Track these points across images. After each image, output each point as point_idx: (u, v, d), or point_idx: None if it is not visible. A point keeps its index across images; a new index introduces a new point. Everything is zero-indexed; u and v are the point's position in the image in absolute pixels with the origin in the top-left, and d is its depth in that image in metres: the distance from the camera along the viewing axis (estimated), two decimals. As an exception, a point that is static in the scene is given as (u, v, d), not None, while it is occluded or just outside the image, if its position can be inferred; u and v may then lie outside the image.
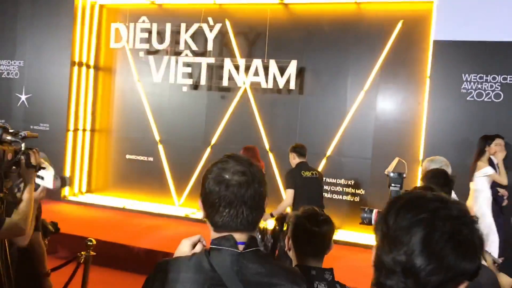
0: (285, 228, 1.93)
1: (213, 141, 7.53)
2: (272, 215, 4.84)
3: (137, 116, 7.91)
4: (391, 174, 2.95)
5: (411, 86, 6.61)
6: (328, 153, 6.90)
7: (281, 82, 6.94)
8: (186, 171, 7.57)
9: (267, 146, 7.27)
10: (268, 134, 7.22)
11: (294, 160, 5.07)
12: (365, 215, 2.14)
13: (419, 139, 6.46)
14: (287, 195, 4.93)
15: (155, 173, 7.77)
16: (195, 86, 7.58)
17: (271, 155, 7.24)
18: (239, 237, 1.15)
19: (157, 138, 7.91)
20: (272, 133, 7.14)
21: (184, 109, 7.70)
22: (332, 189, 6.85)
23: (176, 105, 7.75)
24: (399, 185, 2.91)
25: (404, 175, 2.95)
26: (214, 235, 1.16)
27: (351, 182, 6.82)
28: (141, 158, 7.96)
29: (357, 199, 6.77)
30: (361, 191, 6.72)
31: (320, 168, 6.84)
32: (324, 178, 6.18)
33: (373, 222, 2.17)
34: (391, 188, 2.90)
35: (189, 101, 7.68)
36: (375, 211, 2.18)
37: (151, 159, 7.89)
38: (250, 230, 1.16)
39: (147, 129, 7.88)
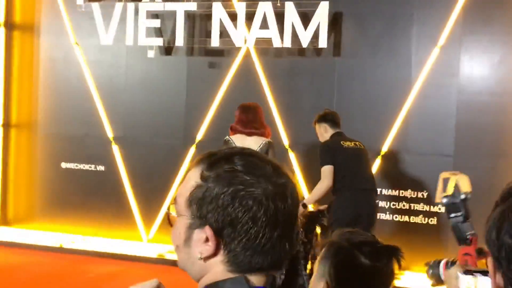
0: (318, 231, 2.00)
1: (199, 136, 7.72)
2: (304, 205, 5.46)
3: (77, 101, 8.12)
4: (444, 200, 3.29)
5: None
6: (384, 149, 7.12)
7: (305, 38, 7.09)
8: (158, 185, 7.73)
9: (285, 142, 7.47)
10: (287, 123, 7.41)
11: (326, 133, 5.79)
12: (431, 271, 2.28)
13: None
14: (324, 174, 5.54)
15: (109, 191, 7.98)
16: (168, 50, 7.79)
17: (292, 155, 7.44)
18: (259, 280, 1.27)
19: (110, 135, 8.09)
20: (293, 120, 7.37)
21: (151, 86, 7.93)
22: (393, 206, 7.09)
23: (138, 80, 7.98)
24: (460, 213, 3.22)
25: (467, 196, 3.28)
26: (224, 275, 1.25)
27: (423, 195, 7.01)
28: (86, 167, 8.17)
29: (433, 221, 6.99)
30: (439, 208, 6.87)
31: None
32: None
33: (442, 277, 2.29)
34: (452, 219, 3.21)
35: (159, 74, 7.90)
36: (443, 262, 2.31)
37: (101, 168, 8.11)
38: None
39: (93, 121, 8.06)
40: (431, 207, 6.97)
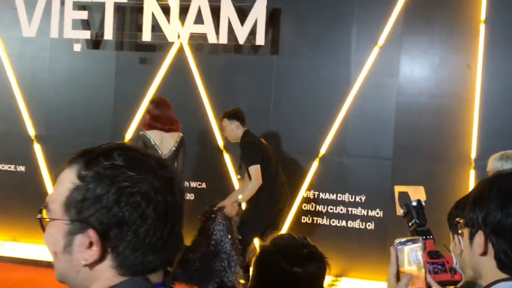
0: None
1: (128, 135, 7.72)
2: (239, 205, 6.11)
3: None
4: (402, 211, 3.24)
5: (454, 37, 6.96)
6: (322, 151, 7.26)
7: (242, 34, 7.16)
8: None
9: (220, 143, 7.55)
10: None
11: (238, 130, 6.23)
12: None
13: (469, 125, 6.86)
14: (256, 173, 6.03)
15: (30, 193, 7.83)
16: (95, 43, 7.78)
17: (227, 157, 7.54)
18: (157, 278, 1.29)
19: (32, 133, 8.05)
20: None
21: (77, 82, 7.89)
22: (330, 211, 7.22)
23: (62, 75, 7.93)
24: (413, 220, 3.09)
25: (418, 203, 3.18)
26: (117, 279, 1.24)
27: (361, 199, 7.18)
28: (5, 167, 8.14)
29: (371, 226, 7.14)
30: (377, 213, 7.10)
31: (309, 177, 7.28)
32: (309, 192, 7.20)
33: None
34: (410, 228, 3.18)
35: (86, 69, 7.88)
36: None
37: (21, 168, 8.07)
38: None
39: (13, 118, 8.00)
40: (369, 211, 7.13)
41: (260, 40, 7.13)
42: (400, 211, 3.15)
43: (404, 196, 3.48)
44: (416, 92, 7.06)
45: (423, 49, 7.07)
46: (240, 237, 5.92)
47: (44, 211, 1.25)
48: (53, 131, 7.98)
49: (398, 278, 1.73)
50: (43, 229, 1.25)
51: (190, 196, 7.18)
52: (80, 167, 1.21)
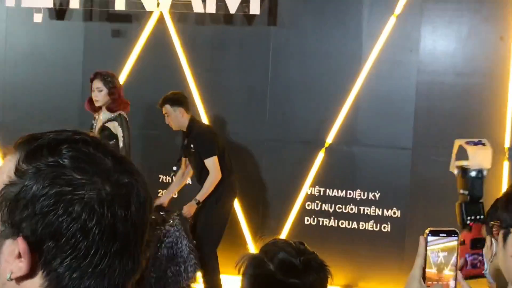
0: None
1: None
2: (198, 203, 6.28)
3: None
4: (456, 171, 3.39)
5: (485, 4, 6.84)
6: (329, 140, 7.16)
7: (234, 3, 7.09)
8: None
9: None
10: (209, 106, 7.42)
11: (183, 118, 6.42)
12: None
13: (503, 108, 6.76)
14: (214, 165, 6.32)
15: None
16: (60, 13, 7.70)
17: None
18: None
19: None
20: (217, 103, 7.42)
21: (39, 58, 7.78)
22: (338, 211, 7.13)
23: (21, 51, 7.85)
24: (467, 192, 3.29)
25: (480, 173, 3.34)
26: None
27: (374, 196, 7.06)
28: None
29: (386, 228, 7.03)
30: (394, 213, 7.02)
31: (313, 170, 7.21)
32: (314, 188, 7.21)
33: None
34: (459, 195, 3.31)
35: (48, 43, 7.77)
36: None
37: None
38: None
39: None
40: (384, 210, 7.03)
41: (254, 9, 7.06)
42: (453, 169, 3.43)
43: (463, 152, 3.56)
44: (440, 69, 6.94)
45: (447, 19, 6.94)
46: (195, 240, 6.15)
47: None
48: (9, 117, 7.90)
49: (423, 275, 1.74)
50: None
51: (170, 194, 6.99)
52: (20, 158, 1.17)
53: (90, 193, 1.14)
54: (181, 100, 6.43)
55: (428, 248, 1.74)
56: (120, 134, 6.12)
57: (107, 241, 1.16)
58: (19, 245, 1.14)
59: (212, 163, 6.27)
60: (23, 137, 1.21)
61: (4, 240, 1.16)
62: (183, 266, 5.87)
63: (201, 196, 6.29)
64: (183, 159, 6.56)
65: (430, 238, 1.75)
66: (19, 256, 1.14)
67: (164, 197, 6.56)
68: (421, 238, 1.76)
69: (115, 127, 6.16)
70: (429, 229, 1.75)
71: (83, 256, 1.15)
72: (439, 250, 1.74)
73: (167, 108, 6.37)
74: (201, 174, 6.37)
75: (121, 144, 6.13)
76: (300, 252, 2.21)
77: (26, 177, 1.14)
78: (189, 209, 6.18)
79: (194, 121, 6.46)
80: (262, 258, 2.19)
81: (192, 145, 6.41)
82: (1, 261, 1.17)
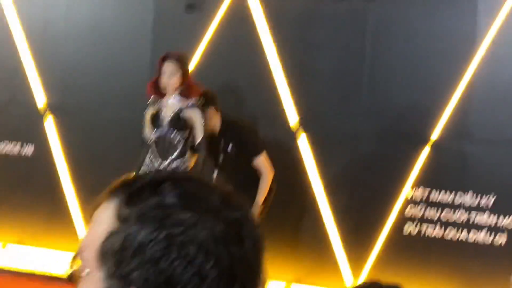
0: None
1: None
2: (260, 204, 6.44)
3: None
4: None
5: None
6: (435, 135, 7.03)
7: None
8: (109, 177, 7.13)
9: (293, 121, 7.40)
10: (297, 92, 7.29)
11: (214, 119, 6.51)
12: None
13: None
14: (267, 162, 6.49)
15: (40, 182, 7.93)
16: None
17: (303, 137, 7.34)
18: None
19: (42, 101, 7.94)
20: (306, 88, 7.33)
21: (103, 35, 7.80)
22: (444, 218, 6.97)
23: (83, 26, 7.86)
24: None
25: None
26: None
27: (488, 200, 6.87)
28: (8, 147, 8.14)
29: (501, 239, 6.82)
30: None
31: (416, 169, 7.08)
32: (415, 190, 7.09)
33: None
34: None
35: (114, 17, 7.81)
36: None
37: (29, 149, 8.03)
38: None
39: (18, 83, 7.98)
40: (500, 218, 6.84)
41: (349, -20, 7.06)
42: None
43: None
44: None
45: None
46: None
47: (77, 260, 1.21)
48: (70, 99, 7.92)
49: None
50: (74, 283, 1.22)
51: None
52: (120, 204, 1.17)
53: (202, 232, 1.15)
54: (213, 99, 6.50)
55: None
56: (200, 122, 6.15)
57: (225, 284, 1.17)
58: None
59: (266, 159, 6.42)
60: (116, 183, 1.22)
61: None
62: None
63: (262, 197, 6.43)
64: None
65: None
66: None
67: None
68: None
69: (194, 115, 6.17)
70: None
71: None
72: None
73: (211, 108, 6.45)
74: (241, 179, 6.32)
75: (201, 134, 6.17)
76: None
77: (130, 223, 1.15)
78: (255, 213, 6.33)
79: (226, 117, 6.51)
80: None
81: (231, 146, 6.48)
82: None
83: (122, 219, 1.15)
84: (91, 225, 1.19)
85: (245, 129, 6.51)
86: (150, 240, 1.13)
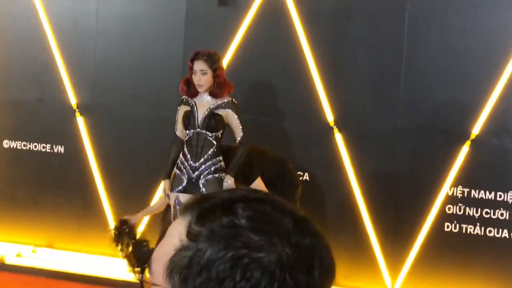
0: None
1: None
2: None
3: (25, 52, 8.04)
4: None
5: None
6: (476, 130, 6.95)
7: None
8: (142, 177, 7.71)
9: (329, 117, 7.34)
10: (332, 89, 7.25)
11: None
12: None
13: None
14: (262, 186, 6.45)
15: (72, 182, 7.96)
16: None
17: (338, 136, 7.29)
18: None
19: (73, 101, 7.96)
20: (342, 85, 7.29)
21: (134, 32, 7.79)
22: (485, 216, 6.92)
23: (114, 23, 7.86)
24: None
25: None
26: None
27: None
28: (38, 147, 8.07)
29: None
30: None
31: (456, 167, 7.01)
32: (456, 188, 7.03)
33: None
34: None
35: (146, 12, 7.79)
36: None
37: (60, 149, 8.01)
38: None
39: (48, 81, 7.96)
40: None
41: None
42: None
43: None
44: None
45: None
46: None
47: (147, 271, 1.27)
48: (101, 99, 7.92)
49: None
50: None
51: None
52: (191, 221, 1.21)
53: (269, 256, 1.15)
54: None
55: None
56: (236, 122, 6.14)
57: None
58: None
59: (261, 182, 6.56)
60: (191, 199, 1.26)
61: None
62: None
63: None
64: None
65: None
66: None
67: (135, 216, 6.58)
68: None
69: (228, 115, 6.16)
70: None
71: None
72: None
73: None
74: None
75: (241, 133, 6.18)
76: None
77: (199, 240, 1.17)
78: None
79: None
80: None
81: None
82: None
83: (192, 236, 1.17)
84: (166, 236, 1.23)
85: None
86: (216, 259, 1.14)
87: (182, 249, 1.18)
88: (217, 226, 1.17)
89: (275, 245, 1.15)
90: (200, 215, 1.20)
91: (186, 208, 1.24)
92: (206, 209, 1.20)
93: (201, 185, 6.14)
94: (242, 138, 6.25)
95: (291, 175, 6.62)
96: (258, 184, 6.33)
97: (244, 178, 6.38)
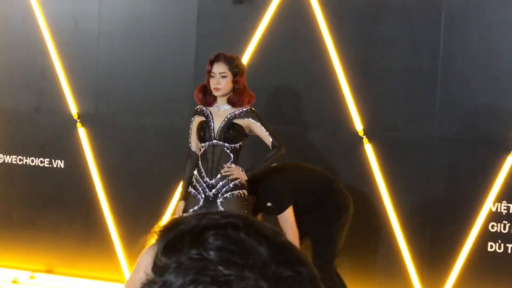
0: None
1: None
2: None
3: (22, 57, 7.98)
4: None
5: None
6: None
7: None
8: (150, 193, 7.65)
9: (358, 126, 7.24)
10: (361, 96, 7.18)
11: None
12: None
13: None
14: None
15: (73, 200, 7.94)
16: None
17: (368, 147, 7.20)
18: None
19: (74, 110, 7.90)
20: (371, 92, 7.24)
21: (141, 33, 7.73)
22: None
23: (118, 24, 7.80)
24: None
25: None
26: None
27: None
28: (36, 161, 8.07)
29: None
30: None
31: (499, 181, 6.90)
32: (500, 204, 6.99)
33: None
34: None
35: (153, 13, 7.72)
36: None
37: (59, 163, 7.98)
38: None
39: (47, 89, 7.91)
40: None
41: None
42: None
43: None
44: None
45: None
46: None
47: None
48: (105, 107, 7.85)
49: None
50: None
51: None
52: (158, 252, 1.18)
53: None
54: None
55: None
56: (261, 130, 6.01)
57: None
58: None
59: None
60: (164, 224, 1.24)
61: None
62: None
63: None
64: None
65: None
66: None
67: None
68: None
69: (250, 125, 6.04)
70: None
71: None
72: None
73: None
74: None
75: (270, 139, 6.05)
76: None
77: (166, 274, 1.15)
78: None
79: None
80: None
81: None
82: None
83: (158, 269, 1.17)
84: (134, 271, 1.24)
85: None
86: None
87: (148, 283, 1.16)
88: (185, 259, 1.15)
89: (246, 278, 1.11)
90: (167, 245, 1.18)
91: (155, 234, 1.23)
92: (173, 239, 1.18)
93: (219, 204, 5.96)
94: (273, 141, 6.11)
95: (338, 198, 6.44)
96: (288, 213, 6.21)
97: (276, 206, 6.29)
